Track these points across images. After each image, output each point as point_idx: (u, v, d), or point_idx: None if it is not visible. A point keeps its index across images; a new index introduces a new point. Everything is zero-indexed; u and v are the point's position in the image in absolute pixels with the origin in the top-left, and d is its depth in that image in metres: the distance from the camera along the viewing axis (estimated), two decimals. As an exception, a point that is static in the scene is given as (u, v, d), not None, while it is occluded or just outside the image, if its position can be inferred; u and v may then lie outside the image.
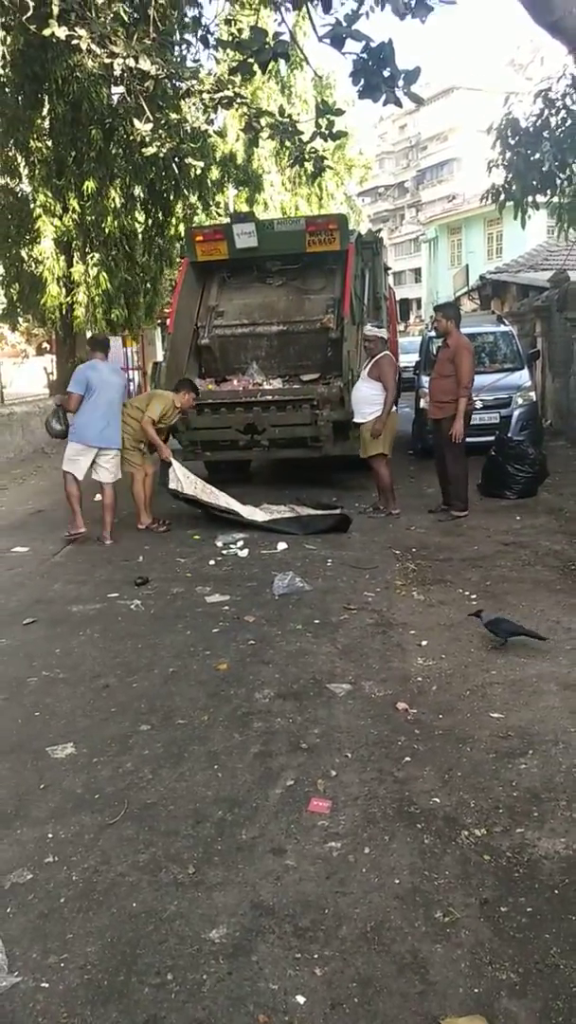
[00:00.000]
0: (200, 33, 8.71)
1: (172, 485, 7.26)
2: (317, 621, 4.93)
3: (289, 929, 2.38)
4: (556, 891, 2.48)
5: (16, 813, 3.03)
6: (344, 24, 5.45)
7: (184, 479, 7.31)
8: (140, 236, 13.54)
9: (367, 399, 7.39)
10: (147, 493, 7.60)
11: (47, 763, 3.39)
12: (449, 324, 7.42)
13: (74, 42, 7.48)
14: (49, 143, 12.06)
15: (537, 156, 8.68)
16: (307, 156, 8.34)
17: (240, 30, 8.41)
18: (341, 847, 2.74)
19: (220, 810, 2.99)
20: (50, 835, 2.88)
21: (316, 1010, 2.09)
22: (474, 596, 5.23)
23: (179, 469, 7.35)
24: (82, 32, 7.33)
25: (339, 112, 7.93)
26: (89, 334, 13.66)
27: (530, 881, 2.53)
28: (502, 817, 2.86)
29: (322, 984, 2.17)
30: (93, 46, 7.58)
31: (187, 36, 9.67)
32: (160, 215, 13.61)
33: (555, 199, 9.53)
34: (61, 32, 7.39)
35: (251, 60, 6.35)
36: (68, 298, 12.81)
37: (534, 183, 8.87)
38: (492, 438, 8.87)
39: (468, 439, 10.05)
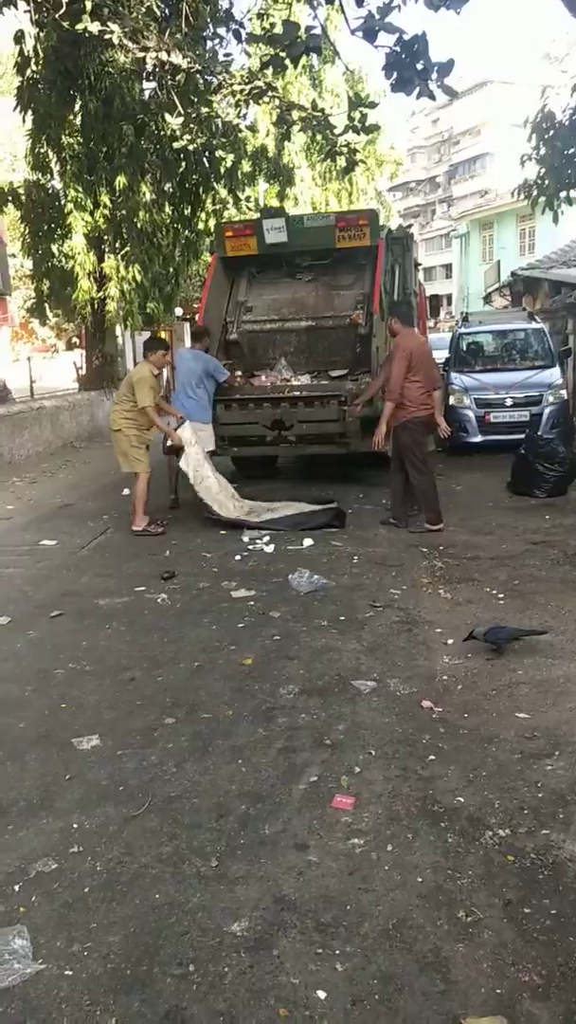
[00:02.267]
0: (232, 27, 8.69)
1: (191, 479, 7.19)
2: (343, 618, 4.92)
3: (311, 924, 2.38)
4: (581, 894, 2.45)
5: (42, 803, 3.06)
6: (377, 17, 5.41)
7: (195, 471, 7.21)
8: (168, 230, 13.58)
9: None
10: (148, 495, 7.35)
11: (72, 754, 3.42)
12: (395, 324, 7.09)
13: (106, 37, 7.52)
14: (80, 139, 12.12)
15: (572, 150, 8.56)
16: (339, 150, 8.31)
17: (272, 24, 8.39)
18: (364, 844, 2.73)
19: (243, 804, 3.00)
20: (75, 825, 2.90)
21: (337, 1006, 2.09)
22: (501, 595, 5.19)
23: (193, 457, 7.21)
24: (114, 27, 7.37)
25: (372, 105, 7.88)
26: (118, 328, 13.73)
27: (554, 883, 2.51)
28: (527, 818, 2.84)
29: (343, 980, 2.17)
30: (125, 41, 7.62)
31: (219, 30, 9.65)
32: (189, 209, 13.64)
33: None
34: (94, 27, 7.43)
35: (283, 54, 6.33)
36: (100, 293, 12.89)
37: (568, 178, 8.75)
38: (522, 436, 8.80)
39: (497, 436, 10.11)
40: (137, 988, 2.17)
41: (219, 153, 10.76)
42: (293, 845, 2.75)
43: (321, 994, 2.12)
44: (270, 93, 8.51)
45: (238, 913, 2.43)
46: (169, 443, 7.46)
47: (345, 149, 8.37)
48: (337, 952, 2.27)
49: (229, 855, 2.71)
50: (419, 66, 5.67)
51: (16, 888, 2.58)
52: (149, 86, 11.75)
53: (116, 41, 7.66)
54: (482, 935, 2.31)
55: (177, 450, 7.36)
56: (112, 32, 7.51)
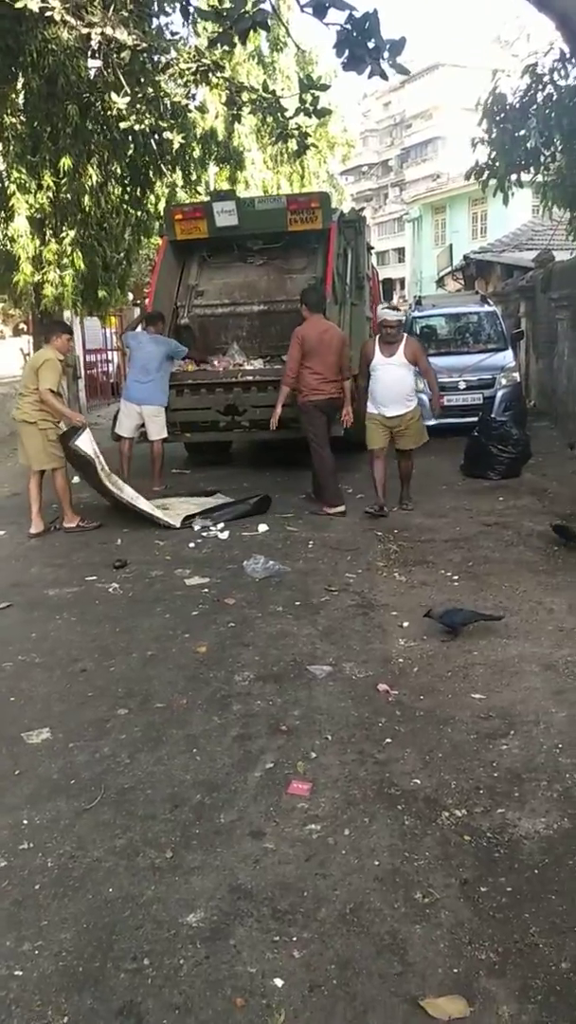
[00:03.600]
0: (179, 4, 8.51)
1: (85, 448, 6.54)
2: (298, 603, 4.89)
3: (267, 912, 2.35)
4: (536, 871, 2.47)
5: (-9, 799, 2.98)
6: (325, -9, 5.34)
7: (95, 450, 6.66)
8: (118, 213, 13.31)
9: (410, 386, 6.98)
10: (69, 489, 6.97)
11: (22, 749, 3.34)
12: (304, 311, 7.12)
13: (47, 13, 7.29)
14: (23, 118, 11.78)
15: (523, 132, 8.58)
16: (290, 133, 8.21)
17: (220, 2, 8.23)
18: (321, 829, 2.72)
19: (198, 794, 2.95)
20: (25, 821, 2.83)
21: (294, 993, 2.07)
22: (456, 577, 5.21)
23: (90, 440, 6.62)
24: (55, 3, 7.14)
25: (324, 87, 7.79)
26: (67, 313, 13.42)
27: (510, 861, 2.52)
28: (483, 798, 2.85)
29: (300, 967, 2.15)
30: (68, 17, 7.40)
31: (166, 7, 9.44)
32: (140, 191, 13.38)
33: (539, 177, 9.45)
34: (34, 3, 7.19)
35: (230, 31, 6.22)
36: (40, 277, 12.58)
37: (519, 160, 8.78)
38: (476, 419, 8.86)
39: (451, 419, 10.16)
40: (90, 985, 2.12)
41: (167, 134, 10.51)
42: (249, 833, 2.72)
43: (278, 982, 2.10)
44: (218, 73, 8.36)
45: (193, 904, 2.40)
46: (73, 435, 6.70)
47: (296, 132, 8.27)
48: (294, 939, 2.25)
49: (184, 846, 2.67)
50: (370, 44, 5.61)
51: (-36, 888, 2.50)
52: (94, 64, 11.45)
53: (58, 17, 7.43)
54: (439, 915, 2.31)
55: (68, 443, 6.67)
56: (53, 8, 7.27)
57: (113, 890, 2.47)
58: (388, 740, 3.27)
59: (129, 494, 6.88)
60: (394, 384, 6.87)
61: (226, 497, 7.47)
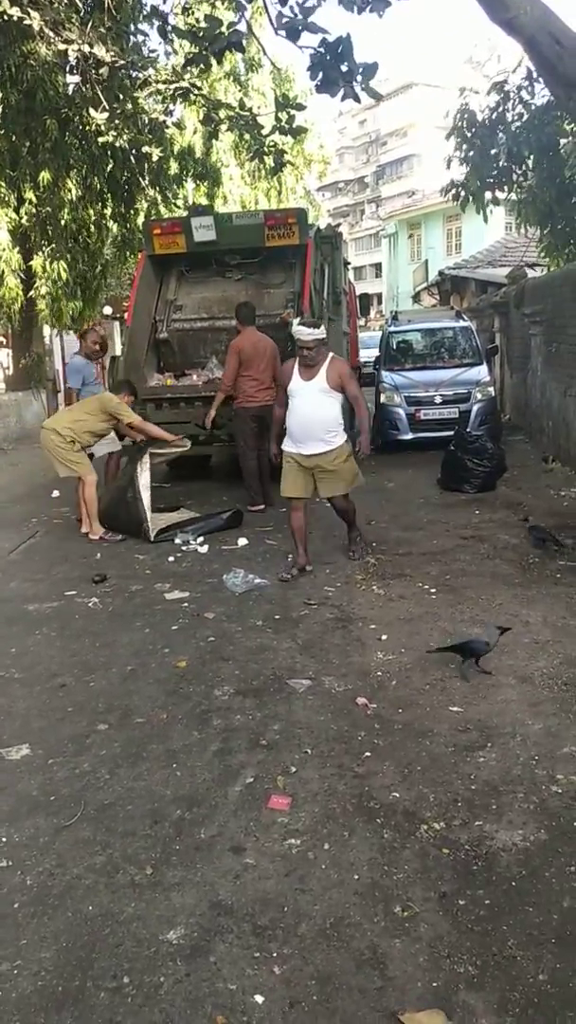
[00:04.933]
0: (156, 23, 8.59)
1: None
2: (277, 617, 4.91)
3: (248, 928, 2.35)
4: (513, 883, 2.49)
5: (-31, 817, 2.96)
6: (299, 16, 5.43)
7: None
8: (97, 227, 13.34)
9: (333, 418, 5.65)
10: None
11: (1, 765, 3.32)
12: (237, 324, 7.76)
13: (25, 23, 7.33)
14: (2, 132, 11.81)
15: (494, 151, 8.74)
16: (267, 150, 8.31)
17: (197, 19, 8.32)
18: (300, 844, 2.73)
19: (179, 809, 2.95)
20: (3, 839, 2.81)
21: (275, 1009, 2.07)
22: (433, 590, 5.26)
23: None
24: (35, 14, 7.19)
25: (300, 107, 7.90)
26: (46, 328, 13.42)
27: (488, 874, 2.54)
28: (461, 810, 2.88)
29: (281, 983, 2.16)
30: (47, 31, 7.45)
31: (143, 26, 9.53)
32: (122, 207, 13.43)
33: (512, 195, 9.62)
34: (13, 11, 7.23)
35: (206, 51, 6.30)
36: (32, 292, 12.58)
37: (491, 178, 8.93)
38: (451, 433, 8.94)
39: (427, 434, 10.26)
40: (69, 1004, 2.11)
41: (145, 149, 10.58)
42: (229, 848, 2.72)
43: (259, 998, 2.10)
44: (195, 92, 8.45)
45: (174, 921, 2.39)
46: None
47: (272, 149, 8.37)
48: (274, 955, 2.25)
49: (164, 862, 2.66)
50: (344, 68, 5.72)
51: None
52: (73, 80, 11.51)
53: (36, 28, 7.48)
54: (418, 929, 2.33)
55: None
56: (32, 19, 7.32)
57: (93, 908, 2.46)
58: (367, 753, 3.29)
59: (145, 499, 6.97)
60: (312, 414, 5.54)
61: (191, 512, 7.48)
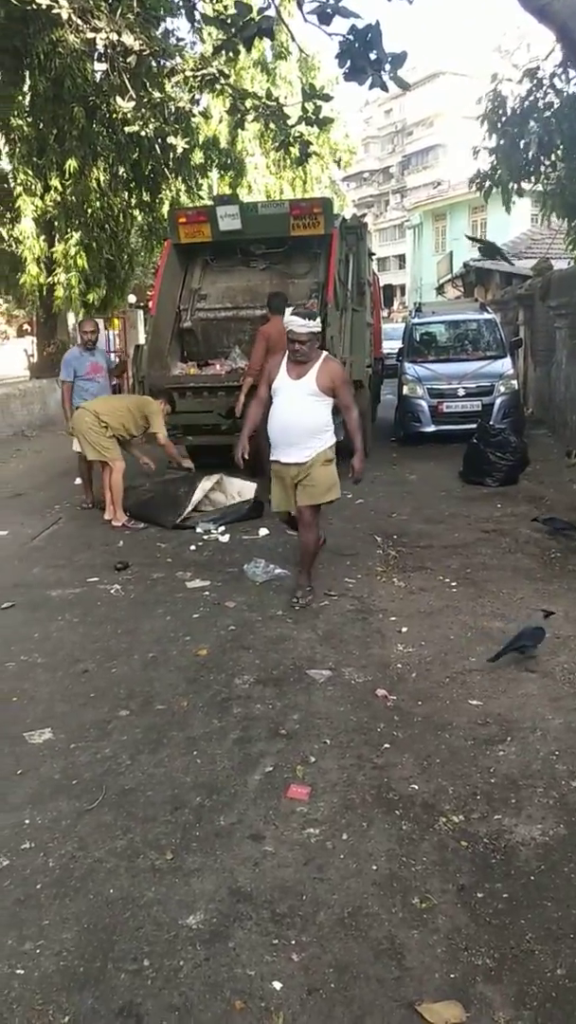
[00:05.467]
0: (185, 9, 8.57)
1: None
2: (297, 607, 4.91)
3: (266, 915, 2.38)
4: (532, 877, 2.49)
5: (-8, 799, 3.00)
6: (330, 0, 5.39)
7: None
8: (123, 216, 13.35)
9: (320, 425, 4.89)
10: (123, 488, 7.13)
11: (24, 748, 3.36)
12: (267, 312, 7.76)
13: (54, 12, 7.34)
14: (30, 120, 11.84)
15: (524, 140, 8.64)
16: (292, 140, 8.27)
17: (226, 7, 8.28)
18: (319, 833, 2.74)
19: (198, 796, 2.98)
20: (27, 821, 2.85)
21: (293, 996, 2.09)
22: (454, 583, 5.24)
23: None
24: (63, 2, 7.20)
25: (327, 97, 7.85)
26: (70, 315, 13.49)
27: (507, 867, 2.54)
28: (480, 804, 2.88)
29: (299, 970, 2.17)
30: (75, 18, 7.46)
31: (172, 12, 9.51)
32: (148, 195, 13.44)
33: (539, 186, 9.52)
34: (42, 0, 7.24)
35: (235, 39, 6.27)
36: (50, 279, 12.63)
37: (520, 166, 8.82)
38: (474, 425, 8.90)
39: (449, 426, 10.21)
40: (91, 985, 2.14)
41: (171, 140, 10.57)
42: (249, 836, 2.74)
43: (277, 985, 2.12)
44: (222, 81, 8.42)
45: (193, 906, 2.42)
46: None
47: (298, 140, 8.33)
48: (293, 942, 2.27)
49: (184, 848, 2.69)
50: (372, 56, 5.67)
51: (-35, 887, 2.53)
52: (101, 68, 11.51)
53: (65, 17, 7.49)
54: (436, 921, 2.33)
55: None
56: (61, 7, 7.33)
57: (114, 891, 2.49)
58: (386, 745, 3.29)
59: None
60: (296, 418, 4.81)
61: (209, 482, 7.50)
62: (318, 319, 4.85)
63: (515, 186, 9.07)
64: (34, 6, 7.37)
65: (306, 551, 5.10)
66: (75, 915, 2.40)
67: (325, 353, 5.06)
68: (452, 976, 2.14)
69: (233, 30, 6.39)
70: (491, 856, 2.60)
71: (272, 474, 5.08)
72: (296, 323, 4.72)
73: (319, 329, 4.87)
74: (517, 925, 2.31)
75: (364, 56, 5.65)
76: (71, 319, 15.02)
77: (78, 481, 8.17)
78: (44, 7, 7.33)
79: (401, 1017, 2.02)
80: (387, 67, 5.69)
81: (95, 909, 2.42)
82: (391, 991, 2.10)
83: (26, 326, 20.97)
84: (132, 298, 19.41)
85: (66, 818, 2.87)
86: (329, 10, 5.51)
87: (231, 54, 7.22)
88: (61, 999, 2.10)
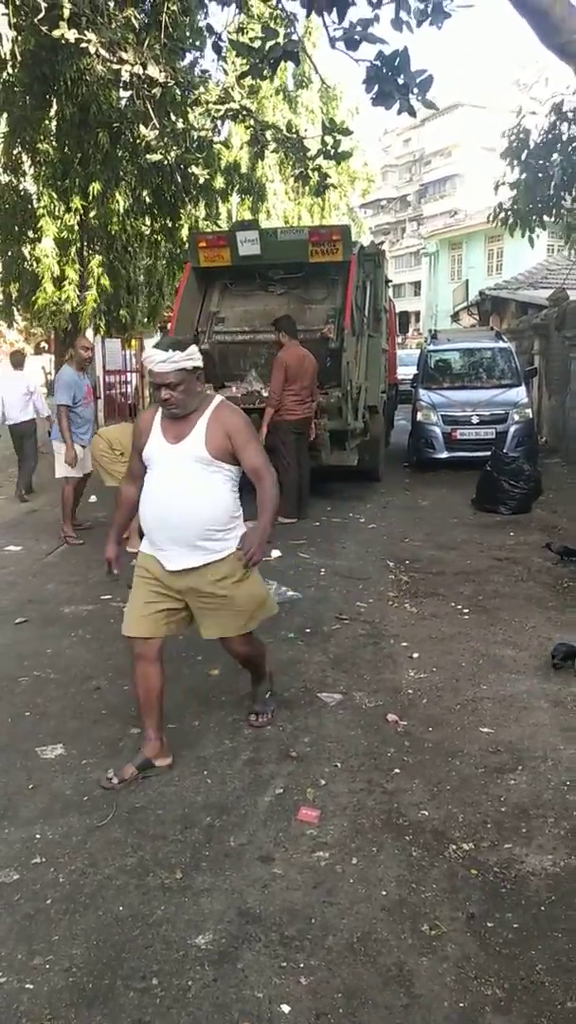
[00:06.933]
0: (212, 41, 8.75)
1: None
2: (309, 630, 4.93)
3: (275, 937, 2.37)
4: (542, 908, 2.48)
5: (3, 813, 3.01)
6: (359, 28, 5.49)
7: None
8: (145, 240, 13.55)
9: (219, 510, 3.30)
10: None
11: (36, 763, 3.38)
12: (281, 336, 7.88)
13: (83, 45, 7.52)
14: (55, 144, 12.08)
15: (547, 173, 8.73)
16: (310, 174, 8.40)
17: (252, 39, 8.46)
18: (329, 857, 2.74)
19: (209, 816, 2.98)
20: (38, 836, 2.86)
21: (300, 1020, 2.09)
22: (466, 610, 5.24)
23: None
24: (92, 36, 7.37)
25: (346, 132, 7.98)
26: (89, 333, 13.63)
27: (517, 897, 2.53)
28: (490, 832, 2.87)
29: (307, 994, 2.17)
30: (102, 51, 7.63)
31: (197, 43, 9.71)
32: (169, 221, 13.65)
33: (561, 219, 9.61)
34: (71, 35, 7.42)
35: (260, 64, 6.39)
36: (69, 297, 12.81)
37: (540, 200, 8.92)
38: (487, 453, 8.92)
39: (462, 453, 10.25)
40: (99, 1002, 2.14)
41: (192, 169, 10.76)
42: (258, 857, 2.74)
43: (285, 1008, 2.12)
44: (244, 113, 8.57)
45: (202, 926, 2.42)
46: None
47: (315, 173, 8.47)
48: (301, 966, 2.27)
49: (194, 867, 2.69)
50: (400, 80, 5.75)
51: (-24, 900, 2.53)
52: (126, 94, 11.75)
53: (92, 50, 7.67)
54: (445, 949, 2.33)
55: None
56: (89, 41, 7.51)
57: (123, 908, 2.50)
58: (396, 770, 3.29)
59: None
60: (178, 503, 3.17)
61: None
62: (191, 348, 3.13)
63: (536, 219, 9.16)
64: (63, 41, 7.55)
65: (249, 661, 3.65)
66: (84, 931, 2.40)
67: (218, 397, 3.34)
68: (461, 1005, 2.13)
69: (259, 56, 6.51)
70: (501, 885, 2.59)
71: (139, 575, 3.31)
72: (156, 359, 3.06)
73: (195, 363, 3.14)
74: (527, 956, 2.29)
75: (392, 81, 5.74)
76: (89, 335, 15.21)
77: (93, 499, 8.23)
78: (73, 40, 7.51)
79: (409, 1045, 2.01)
80: (415, 91, 5.77)
81: (104, 926, 2.42)
82: (399, 1018, 2.09)
83: (43, 344, 21.18)
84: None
85: (77, 834, 2.88)
86: (357, 36, 5.61)
87: (254, 83, 7.36)
88: (70, 1015, 2.10)
